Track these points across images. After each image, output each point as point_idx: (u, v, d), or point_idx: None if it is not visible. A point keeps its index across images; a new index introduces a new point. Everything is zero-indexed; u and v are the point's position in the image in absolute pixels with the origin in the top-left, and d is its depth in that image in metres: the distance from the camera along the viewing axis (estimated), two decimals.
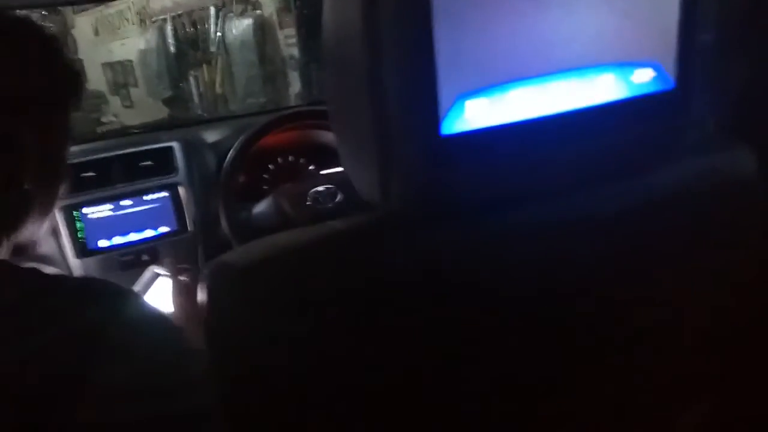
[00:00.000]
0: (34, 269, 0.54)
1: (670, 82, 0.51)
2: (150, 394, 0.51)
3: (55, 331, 0.49)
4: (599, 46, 0.46)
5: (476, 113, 0.43)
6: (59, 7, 3.98)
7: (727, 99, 0.63)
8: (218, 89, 4.36)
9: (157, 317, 0.56)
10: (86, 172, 1.19)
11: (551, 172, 0.47)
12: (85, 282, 0.56)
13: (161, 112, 4.44)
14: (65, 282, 0.58)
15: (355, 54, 0.41)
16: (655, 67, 0.50)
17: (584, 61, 0.46)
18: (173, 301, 0.87)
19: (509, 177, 0.46)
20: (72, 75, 0.61)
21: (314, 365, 0.41)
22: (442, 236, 0.45)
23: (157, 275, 0.93)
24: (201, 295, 0.45)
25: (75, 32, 4.90)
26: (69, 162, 0.65)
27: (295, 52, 4.00)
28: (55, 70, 0.59)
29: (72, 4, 3.63)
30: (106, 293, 0.53)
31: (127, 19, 4.72)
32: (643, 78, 0.49)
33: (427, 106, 0.41)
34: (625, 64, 0.48)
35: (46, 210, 0.63)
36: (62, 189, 0.63)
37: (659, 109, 0.51)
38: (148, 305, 0.55)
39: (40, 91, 0.58)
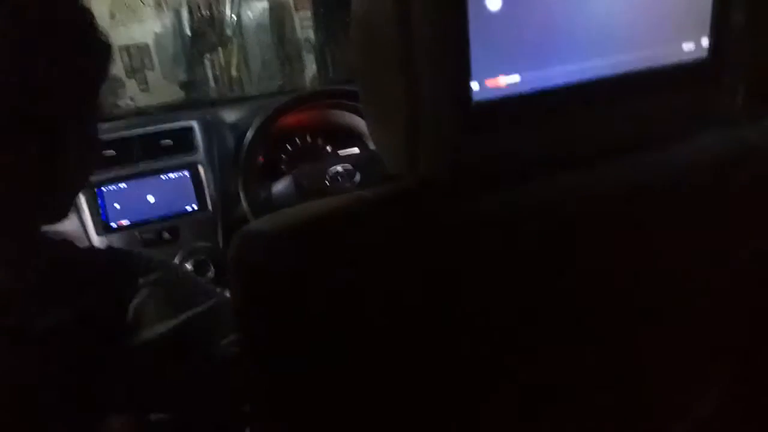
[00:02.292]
0: (68, 240, 0.55)
1: (703, 51, 0.50)
2: (180, 355, 0.52)
3: (87, 299, 0.50)
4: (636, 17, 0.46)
5: (509, 79, 0.42)
6: None
7: (760, 70, 0.62)
8: (234, 72, 4.35)
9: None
10: (107, 151, 1.20)
11: (583, 141, 0.47)
12: (116, 252, 0.57)
13: (177, 96, 4.44)
14: (97, 253, 0.59)
15: (385, 20, 0.41)
16: (690, 36, 0.49)
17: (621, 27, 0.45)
18: None
19: (540, 144, 0.45)
20: (105, 47, 0.62)
21: (350, 328, 0.41)
22: (469, 205, 0.44)
23: None
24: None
25: None
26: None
27: (310, 34, 3.97)
28: (91, 42, 0.60)
29: None
30: (137, 262, 0.54)
31: (143, 2, 4.72)
32: (677, 46, 0.49)
33: (458, 71, 0.40)
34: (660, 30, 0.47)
35: (80, 181, 0.63)
36: (95, 161, 0.64)
37: (691, 78, 0.50)
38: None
39: (79, 62, 0.58)
